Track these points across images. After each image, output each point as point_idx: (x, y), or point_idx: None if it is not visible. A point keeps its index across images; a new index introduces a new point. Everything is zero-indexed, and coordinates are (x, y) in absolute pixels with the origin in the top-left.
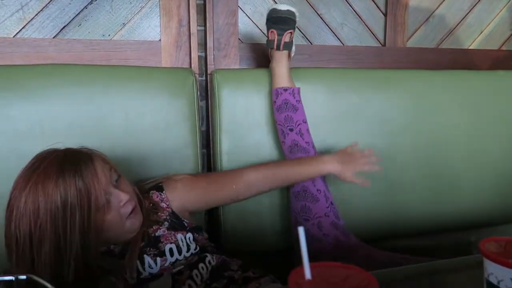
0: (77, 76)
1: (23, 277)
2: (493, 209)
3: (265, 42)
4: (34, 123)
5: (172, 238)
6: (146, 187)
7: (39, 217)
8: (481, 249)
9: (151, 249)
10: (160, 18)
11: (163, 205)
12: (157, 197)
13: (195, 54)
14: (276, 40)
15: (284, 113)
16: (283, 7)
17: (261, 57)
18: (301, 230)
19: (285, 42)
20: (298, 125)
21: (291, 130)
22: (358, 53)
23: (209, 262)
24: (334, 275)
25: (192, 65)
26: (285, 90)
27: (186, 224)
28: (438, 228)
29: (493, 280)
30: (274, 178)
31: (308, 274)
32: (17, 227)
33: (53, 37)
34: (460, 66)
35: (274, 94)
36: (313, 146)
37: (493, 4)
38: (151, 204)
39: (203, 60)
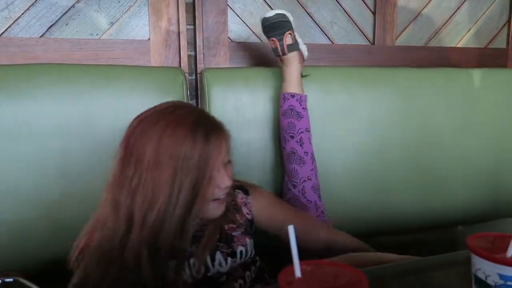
0: (65, 75)
1: (10, 279)
2: (483, 204)
3: (272, 51)
4: (21, 123)
5: (243, 241)
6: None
7: (159, 158)
8: (468, 245)
9: (225, 246)
10: (148, 17)
11: (245, 210)
12: (241, 198)
13: (184, 53)
14: (278, 46)
15: (288, 119)
16: (271, 13)
17: (251, 55)
18: (291, 228)
19: (287, 45)
20: (300, 133)
21: (292, 137)
22: (347, 52)
23: (259, 267)
24: (324, 273)
25: (182, 64)
26: (292, 96)
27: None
28: (428, 224)
29: (480, 275)
30: (343, 250)
31: (298, 272)
32: (141, 154)
33: (40, 36)
34: (448, 64)
35: (281, 98)
36: (312, 157)
37: (480, 3)
38: (233, 202)
39: (193, 59)
